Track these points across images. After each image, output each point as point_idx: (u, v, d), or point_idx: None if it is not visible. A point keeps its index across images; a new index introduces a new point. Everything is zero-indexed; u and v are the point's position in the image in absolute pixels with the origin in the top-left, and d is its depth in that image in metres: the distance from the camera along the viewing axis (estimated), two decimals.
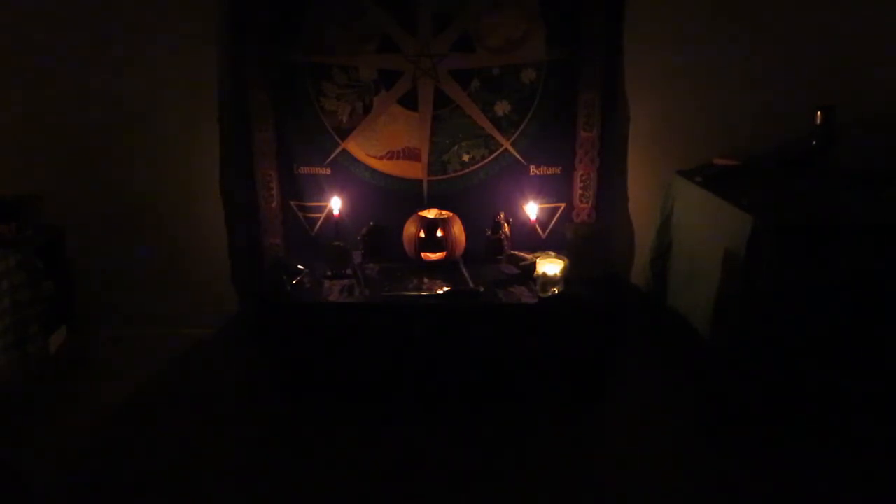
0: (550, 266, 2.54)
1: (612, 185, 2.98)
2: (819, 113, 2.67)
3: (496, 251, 2.87)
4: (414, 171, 3.00)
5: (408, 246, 2.84)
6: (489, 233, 2.90)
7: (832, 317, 2.20)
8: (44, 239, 2.90)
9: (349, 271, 2.78)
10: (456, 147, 2.97)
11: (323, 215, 3.06)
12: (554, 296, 2.55)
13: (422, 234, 2.78)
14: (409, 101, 2.92)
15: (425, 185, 3.01)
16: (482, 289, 2.61)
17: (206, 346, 3.12)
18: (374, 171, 3.01)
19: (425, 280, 2.70)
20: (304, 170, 3.02)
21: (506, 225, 2.89)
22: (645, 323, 3.00)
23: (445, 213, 2.87)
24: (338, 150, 2.99)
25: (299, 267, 2.77)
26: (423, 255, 2.80)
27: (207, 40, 2.85)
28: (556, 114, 2.91)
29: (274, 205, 3.06)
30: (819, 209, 2.34)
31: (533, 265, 2.63)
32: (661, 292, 2.94)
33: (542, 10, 2.80)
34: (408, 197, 3.00)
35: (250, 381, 2.83)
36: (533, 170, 2.97)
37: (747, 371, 2.28)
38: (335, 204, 2.91)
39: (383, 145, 2.98)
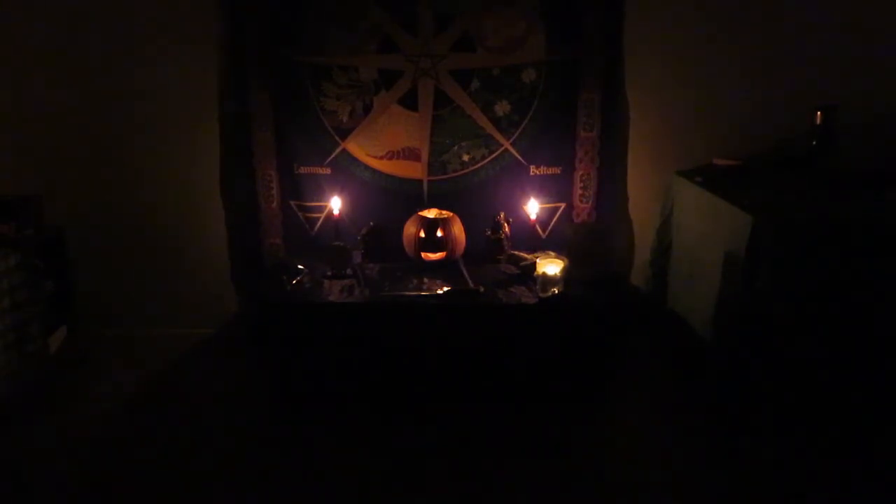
0: (550, 266, 2.54)
1: (612, 185, 2.98)
2: (819, 113, 2.67)
3: (496, 251, 2.87)
4: (414, 171, 3.00)
5: (408, 246, 2.84)
6: (489, 233, 2.89)
7: (832, 317, 2.20)
8: (44, 239, 2.90)
9: (349, 271, 2.78)
10: (456, 147, 2.97)
11: (323, 215, 3.06)
12: (554, 296, 2.55)
13: (422, 234, 2.78)
14: (410, 101, 2.92)
15: (425, 185, 3.01)
16: (482, 289, 2.61)
17: (206, 346, 3.12)
18: (374, 171, 3.01)
19: (425, 280, 2.70)
20: (304, 170, 3.02)
21: (506, 225, 2.89)
22: (645, 323, 3.00)
23: (445, 213, 2.87)
24: (338, 150, 2.99)
25: (299, 267, 2.77)
26: (423, 255, 2.80)
27: (208, 40, 2.85)
28: (556, 114, 2.91)
29: (274, 205, 3.06)
30: (819, 209, 2.34)
31: (533, 265, 2.63)
32: (661, 292, 2.94)
33: (543, 10, 2.80)
34: (408, 197, 3.00)
35: (250, 380, 2.83)
36: (533, 170, 2.97)
37: (747, 371, 2.28)
38: (335, 204, 2.91)
39: (383, 145, 2.98)
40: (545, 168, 2.98)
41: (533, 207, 2.89)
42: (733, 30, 2.84)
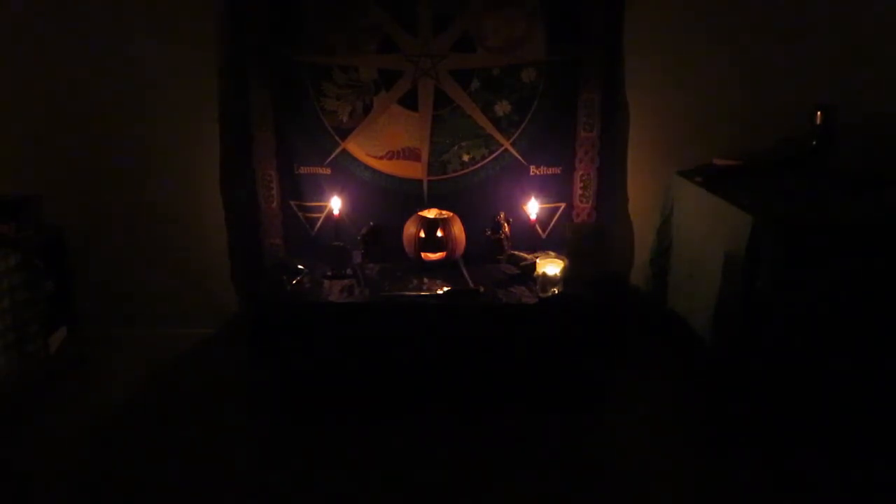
0: (550, 266, 2.54)
1: (612, 185, 2.98)
2: (819, 113, 2.67)
3: (496, 251, 2.87)
4: (414, 171, 3.00)
5: (408, 246, 2.84)
6: (489, 233, 2.89)
7: (832, 317, 2.20)
8: (44, 239, 2.90)
9: (349, 271, 2.78)
10: (456, 147, 2.97)
11: (323, 215, 3.06)
12: (554, 296, 2.55)
13: (422, 234, 2.78)
14: (410, 101, 2.92)
15: (425, 185, 3.01)
16: (482, 289, 2.61)
17: (206, 346, 3.12)
18: (374, 171, 3.01)
19: (425, 280, 2.70)
20: (304, 170, 3.02)
21: (506, 225, 2.89)
22: (645, 323, 3.01)
23: (445, 213, 2.87)
24: (338, 150, 2.99)
25: (299, 267, 2.77)
26: (423, 255, 2.80)
27: (208, 40, 2.85)
28: (556, 114, 2.91)
29: (274, 205, 3.06)
30: (819, 209, 2.34)
31: (533, 265, 2.63)
32: (661, 292, 2.94)
33: (543, 10, 2.80)
34: (408, 197, 3.00)
35: (250, 381, 2.83)
36: (533, 170, 2.97)
37: (747, 371, 2.28)
38: (335, 204, 2.91)
39: (383, 145, 2.98)
40: (545, 168, 2.98)
41: (533, 207, 2.89)
42: (733, 30, 2.84)
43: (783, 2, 2.81)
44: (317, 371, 2.64)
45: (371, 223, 2.95)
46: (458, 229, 2.83)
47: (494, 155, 2.97)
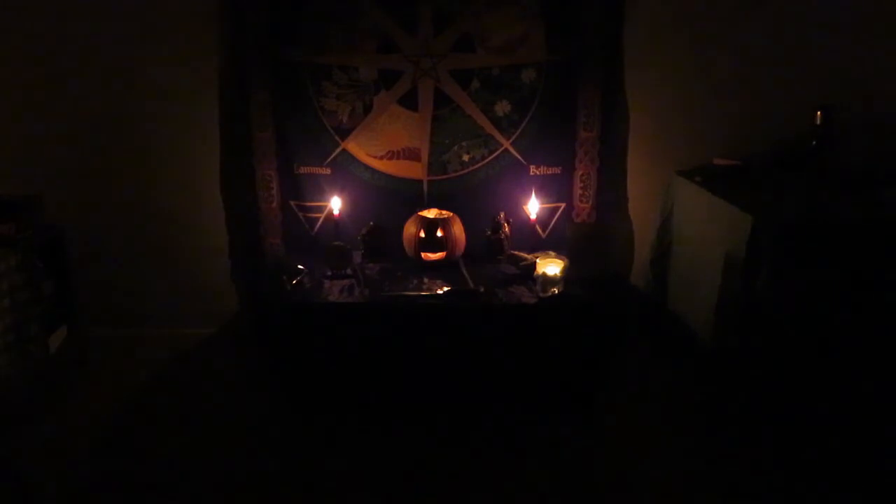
0: (550, 266, 2.54)
1: (612, 185, 2.97)
2: (819, 113, 2.67)
3: (496, 251, 2.87)
4: (414, 171, 3.00)
5: (408, 246, 2.84)
6: (489, 233, 2.89)
7: (832, 317, 2.20)
8: (44, 239, 2.89)
9: (349, 271, 2.78)
10: (456, 147, 2.97)
11: (323, 215, 3.06)
12: (554, 296, 2.55)
13: (422, 234, 2.78)
14: (410, 101, 2.92)
15: (425, 185, 3.01)
16: (482, 289, 2.61)
17: (206, 346, 3.13)
18: (374, 171, 3.01)
19: (425, 280, 2.70)
20: (304, 170, 3.02)
21: (506, 225, 2.89)
22: (645, 323, 3.01)
23: (445, 213, 2.87)
24: (338, 150, 2.99)
25: (299, 267, 2.77)
26: (423, 255, 2.80)
27: (208, 40, 2.85)
28: (556, 114, 2.91)
29: (274, 205, 3.06)
30: (819, 209, 2.34)
31: (533, 265, 2.63)
32: (661, 292, 2.95)
33: (542, 10, 2.80)
34: (408, 197, 3.00)
35: (250, 380, 2.83)
36: (533, 170, 2.97)
37: (747, 371, 2.28)
38: (335, 204, 2.91)
39: (383, 145, 2.98)
40: (545, 168, 2.98)
41: (533, 207, 2.89)
42: (733, 30, 2.84)
43: (783, 2, 2.81)
44: (317, 371, 2.64)
45: (371, 223, 2.94)
46: (458, 229, 2.83)
47: (494, 155, 2.97)
